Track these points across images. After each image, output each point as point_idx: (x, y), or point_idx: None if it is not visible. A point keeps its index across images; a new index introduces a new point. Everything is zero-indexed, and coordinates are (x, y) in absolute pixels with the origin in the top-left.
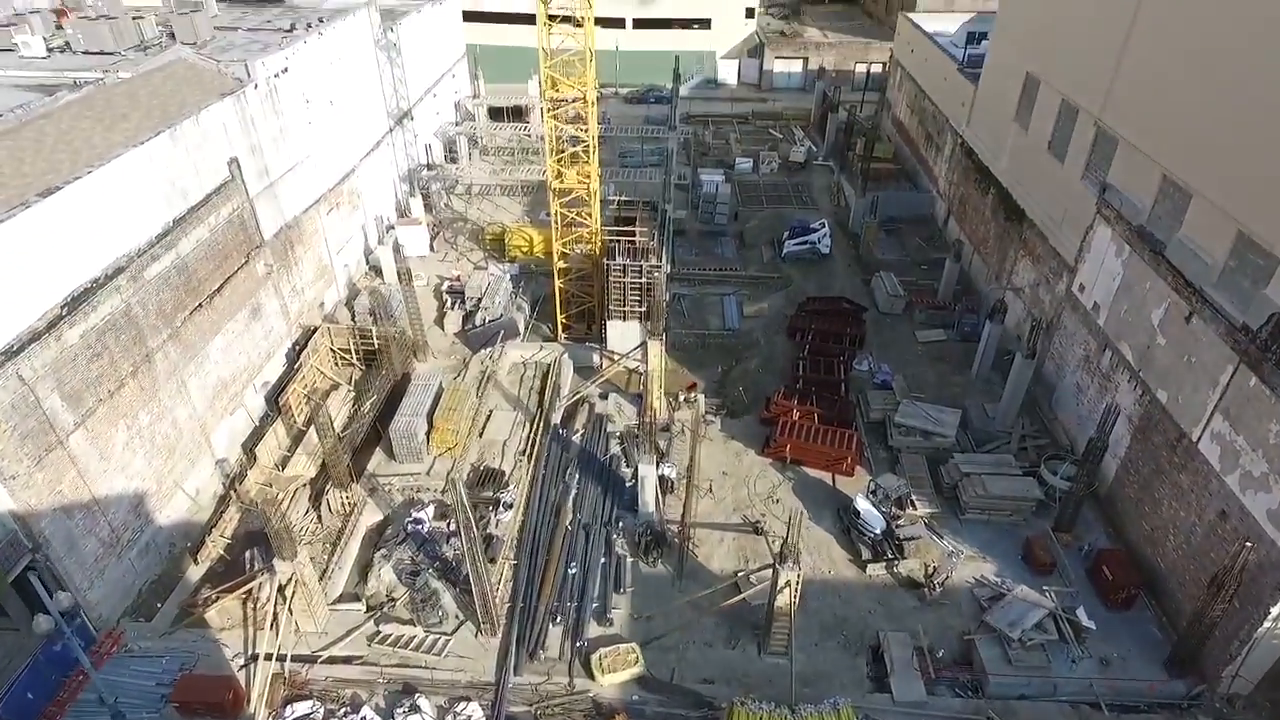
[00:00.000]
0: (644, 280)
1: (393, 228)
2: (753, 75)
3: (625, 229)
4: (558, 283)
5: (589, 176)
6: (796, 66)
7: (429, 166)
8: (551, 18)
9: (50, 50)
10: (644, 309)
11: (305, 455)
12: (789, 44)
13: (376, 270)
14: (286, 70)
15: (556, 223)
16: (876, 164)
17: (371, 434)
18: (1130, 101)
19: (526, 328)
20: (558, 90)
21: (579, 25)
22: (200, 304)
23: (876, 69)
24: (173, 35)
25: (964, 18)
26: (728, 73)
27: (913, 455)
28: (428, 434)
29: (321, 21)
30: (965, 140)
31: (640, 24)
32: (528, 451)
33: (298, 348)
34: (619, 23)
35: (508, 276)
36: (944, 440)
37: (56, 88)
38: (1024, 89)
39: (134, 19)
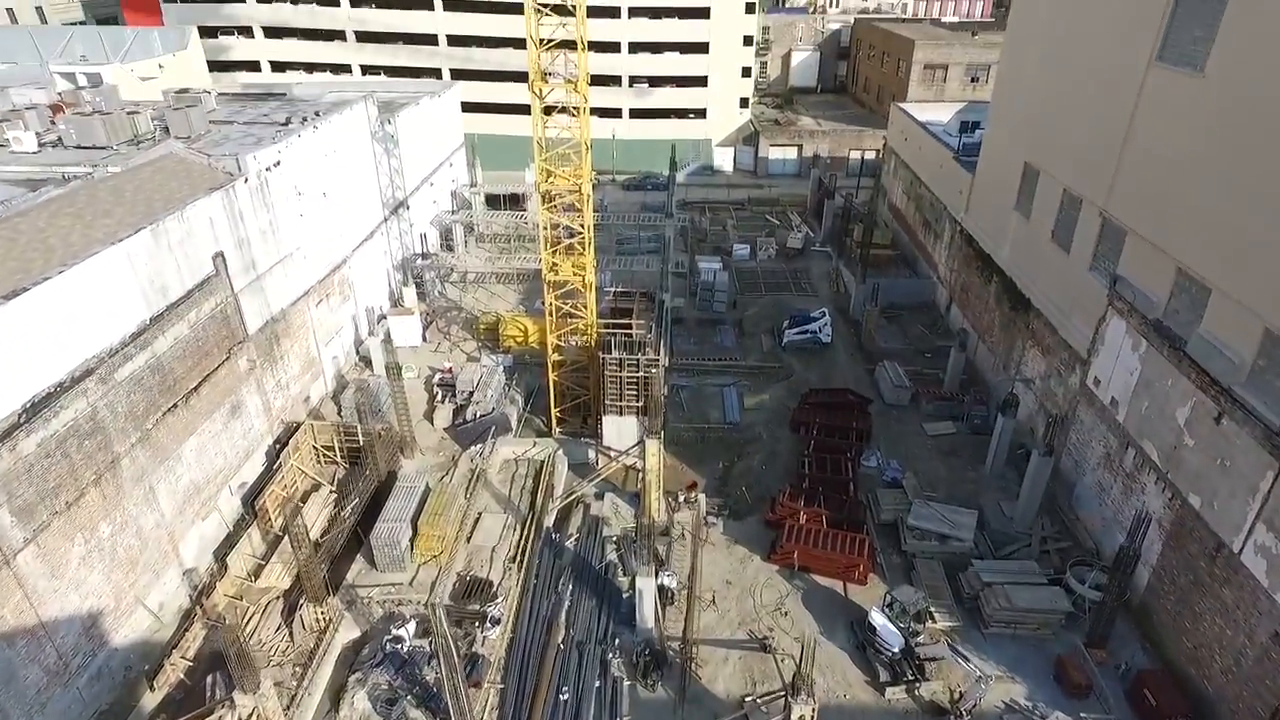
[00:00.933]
0: (641, 375)
1: (384, 317)
2: (748, 162)
3: (621, 321)
4: (552, 376)
5: (584, 268)
6: (791, 153)
7: (423, 255)
8: (548, 110)
9: (42, 145)
10: (641, 404)
11: (281, 564)
12: (783, 132)
13: (366, 361)
14: (279, 164)
15: (551, 314)
16: (875, 250)
17: (353, 539)
18: (1136, 193)
19: (519, 422)
20: (553, 182)
21: (575, 115)
22: (175, 404)
23: (870, 155)
24: (167, 130)
25: (955, 107)
26: (724, 160)
27: (928, 561)
28: (412, 541)
29: (318, 115)
30: (965, 228)
31: (637, 113)
32: (518, 559)
33: (279, 445)
34: (616, 112)
35: (500, 368)
36: (961, 545)
37: (43, 182)
38: (1023, 178)
39: (129, 114)
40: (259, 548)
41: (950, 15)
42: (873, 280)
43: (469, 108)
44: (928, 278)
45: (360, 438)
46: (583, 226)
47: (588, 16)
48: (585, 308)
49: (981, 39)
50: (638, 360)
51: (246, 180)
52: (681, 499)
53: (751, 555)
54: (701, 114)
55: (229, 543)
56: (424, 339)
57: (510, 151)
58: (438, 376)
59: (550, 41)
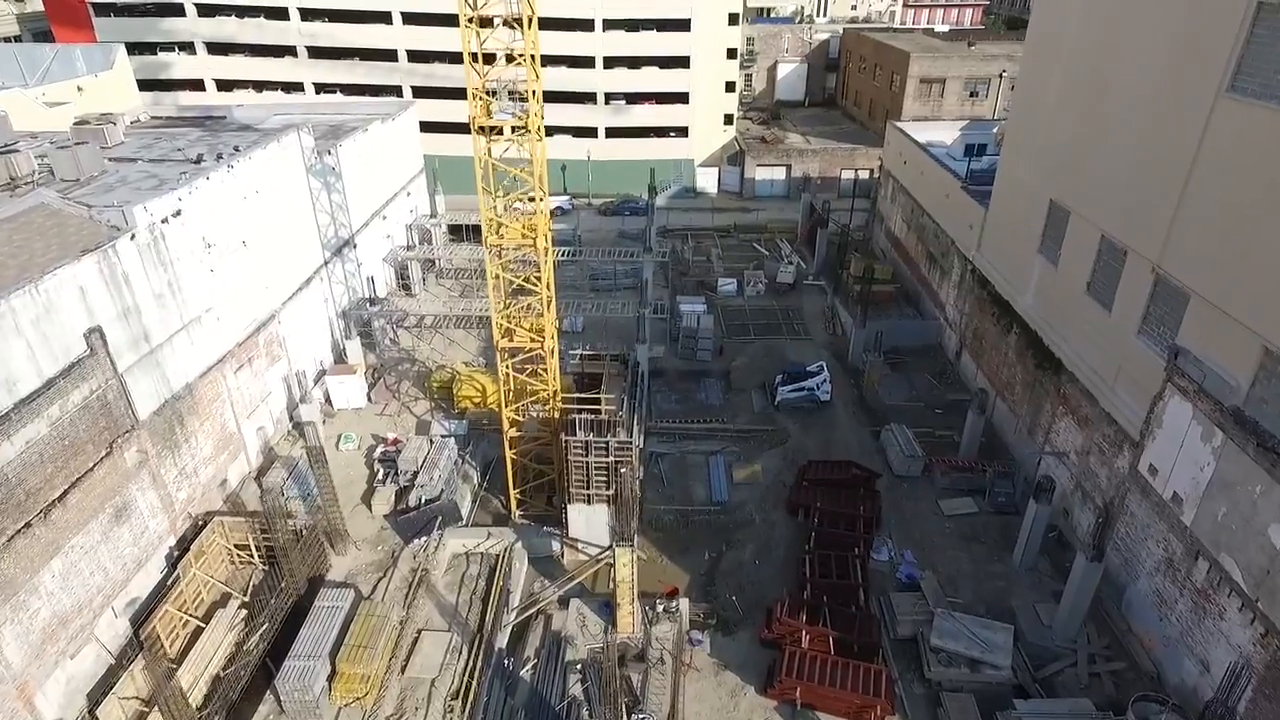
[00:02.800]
0: (611, 460)
1: (324, 375)
2: (734, 183)
3: (587, 395)
4: (509, 453)
5: (544, 333)
6: (779, 174)
7: (371, 300)
8: (487, 130)
9: None
10: (612, 491)
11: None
12: (770, 151)
13: (301, 429)
14: (179, 213)
15: (506, 386)
16: (875, 286)
17: (263, 670)
18: (1203, 250)
19: (473, 504)
20: (502, 237)
21: (524, 130)
22: (30, 522)
23: (864, 174)
24: (52, 171)
25: (957, 126)
26: (707, 181)
27: (958, 696)
28: (331, 679)
29: (237, 151)
30: (977, 268)
31: (614, 132)
32: (462, 696)
33: (182, 549)
34: (591, 131)
35: (451, 442)
36: (997, 673)
37: None
38: (1049, 218)
39: (2, 152)
40: (145, 687)
41: (940, 23)
42: (873, 323)
43: (432, 128)
44: (933, 317)
45: (278, 537)
46: (539, 280)
47: (559, 29)
48: (546, 376)
49: (979, 50)
50: (606, 443)
51: (135, 236)
52: (660, 608)
53: (744, 686)
54: (683, 132)
55: (111, 678)
56: (369, 399)
57: (468, 173)
58: (380, 449)
59: (494, 60)
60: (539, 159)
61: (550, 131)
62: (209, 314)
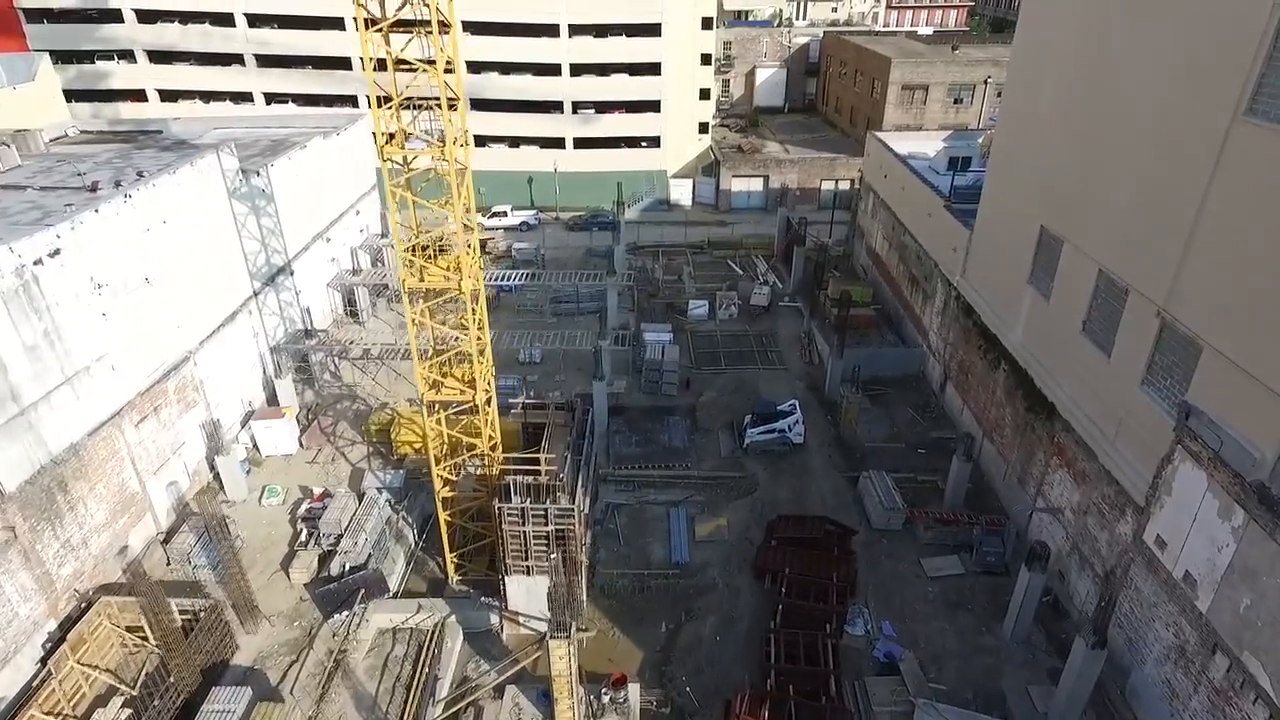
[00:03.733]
0: (551, 529)
1: (251, 417)
2: (709, 195)
3: (526, 456)
4: (442, 515)
5: (474, 385)
6: (757, 185)
7: (308, 332)
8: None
9: None
10: (555, 561)
11: None
12: (747, 161)
13: (221, 481)
14: (58, 252)
15: (436, 444)
16: (853, 309)
17: None
18: (1216, 295)
19: (407, 568)
20: (422, 280)
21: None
22: None
23: (845, 185)
24: None
25: (940, 137)
26: (681, 193)
27: None
28: None
29: (142, 177)
30: (961, 294)
31: (582, 143)
32: None
33: (60, 636)
34: (558, 142)
35: (383, 497)
36: None
37: None
38: (1039, 246)
39: None
40: None
41: (923, 25)
42: (851, 352)
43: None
44: (916, 345)
45: (177, 617)
46: (471, 335)
47: (522, 34)
48: (481, 431)
49: (964, 55)
50: (545, 511)
51: None
52: (606, 698)
53: None
54: (655, 142)
55: None
56: (301, 444)
57: (434, 188)
58: (305, 505)
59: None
60: (461, 193)
61: (516, 142)
62: (100, 363)
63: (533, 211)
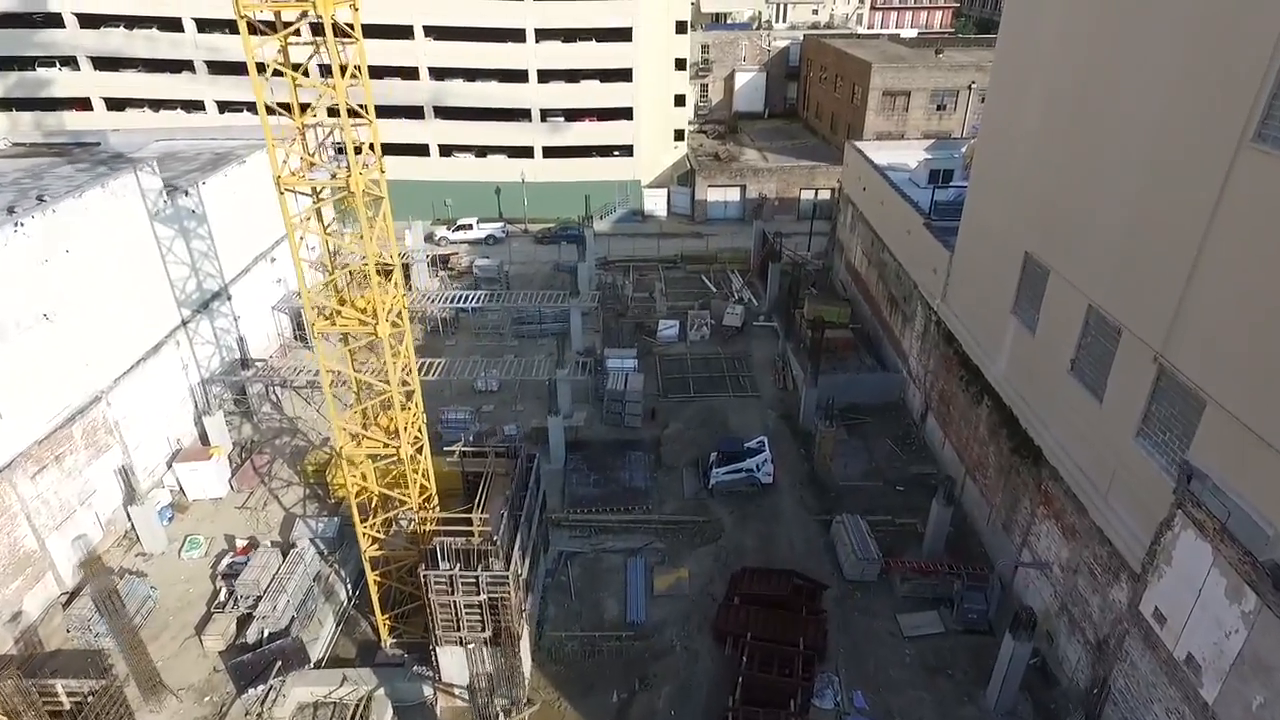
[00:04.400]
0: (484, 598)
1: (178, 455)
2: (684, 205)
3: (457, 516)
4: (371, 576)
5: (399, 436)
6: (733, 195)
7: (245, 363)
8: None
9: None
10: (489, 633)
11: None
12: (723, 170)
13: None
14: None
15: (359, 496)
16: (829, 330)
17: None
18: (1220, 345)
19: (337, 628)
20: (334, 321)
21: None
22: None
23: (825, 194)
24: None
25: (922, 146)
26: (655, 204)
27: None
28: None
29: (42, 201)
30: (942, 319)
31: (551, 152)
32: None
33: None
34: (526, 151)
35: (310, 552)
36: None
37: None
38: (1024, 274)
39: None
40: None
41: (908, 27)
42: (827, 380)
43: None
44: (895, 369)
45: (62, 698)
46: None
47: (487, 40)
48: (414, 485)
49: (947, 59)
50: (477, 579)
51: None
52: None
53: None
54: (628, 151)
55: None
56: (232, 486)
57: (398, 198)
58: (228, 559)
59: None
60: (374, 225)
61: (483, 152)
62: None
63: (500, 224)
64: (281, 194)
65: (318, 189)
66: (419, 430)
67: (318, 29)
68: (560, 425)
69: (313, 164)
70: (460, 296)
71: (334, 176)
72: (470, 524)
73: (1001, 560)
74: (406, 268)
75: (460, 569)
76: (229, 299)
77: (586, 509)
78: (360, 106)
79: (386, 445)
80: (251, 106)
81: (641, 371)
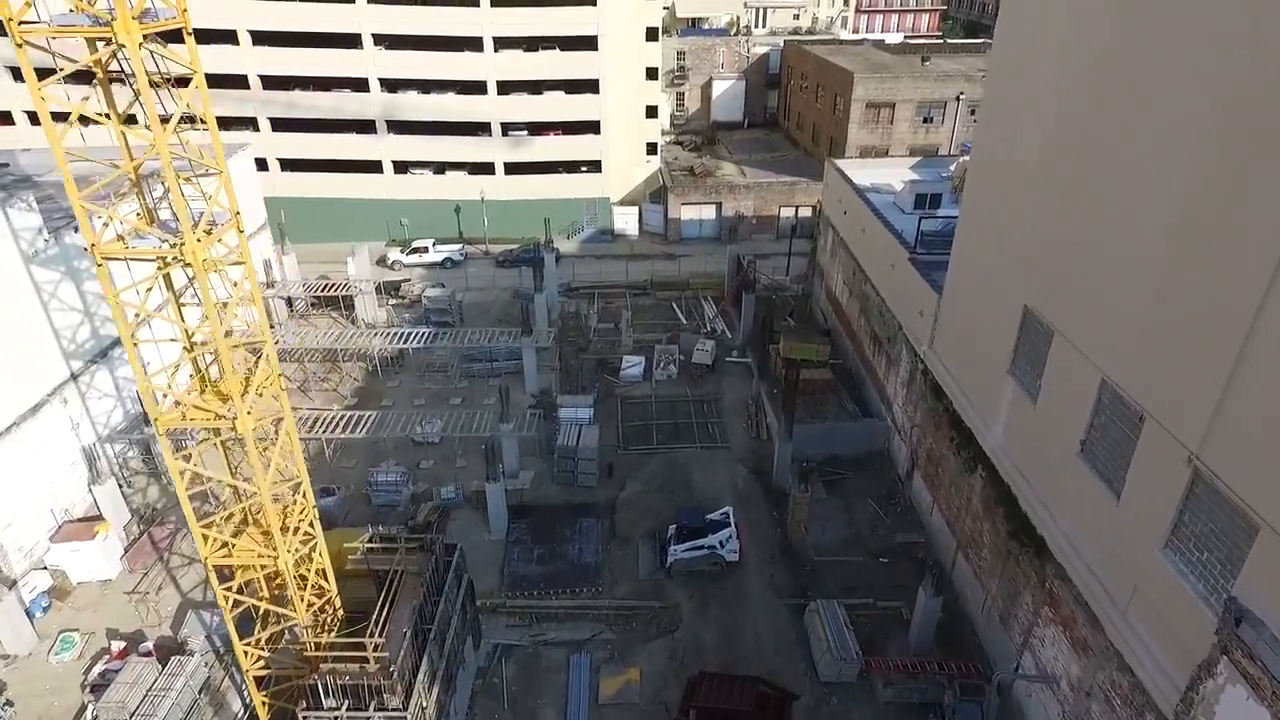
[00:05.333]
0: None
1: (59, 532)
2: (657, 223)
3: (348, 641)
4: (256, 697)
5: (274, 549)
6: (709, 213)
7: (149, 420)
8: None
9: None
10: None
11: None
12: (698, 187)
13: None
14: None
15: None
16: (806, 370)
17: None
18: (1277, 457)
19: None
20: (183, 414)
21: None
22: None
23: (805, 212)
24: None
25: (907, 164)
26: (626, 222)
27: None
28: None
29: None
30: (929, 369)
31: (514, 168)
32: None
33: None
34: (487, 168)
35: (196, 657)
36: None
37: None
38: (1023, 332)
39: None
40: None
41: (894, 31)
42: (804, 430)
43: (296, 166)
44: (879, 415)
45: None
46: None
47: (443, 48)
48: (297, 601)
49: (934, 68)
50: None
51: None
52: None
53: None
54: (596, 167)
55: None
56: (124, 566)
57: (330, 217)
58: (101, 664)
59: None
60: (230, 304)
61: (441, 168)
62: None
63: (458, 246)
64: (100, 265)
65: (159, 257)
66: (310, 524)
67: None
68: (501, 492)
69: (151, 222)
70: (402, 335)
71: (169, 244)
72: (362, 650)
73: (999, 670)
74: (350, 299)
75: (349, 708)
76: (135, 344)
77: (528, 591)
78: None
79: (261, 556)
80: (190, 120)
81: (598, 422)
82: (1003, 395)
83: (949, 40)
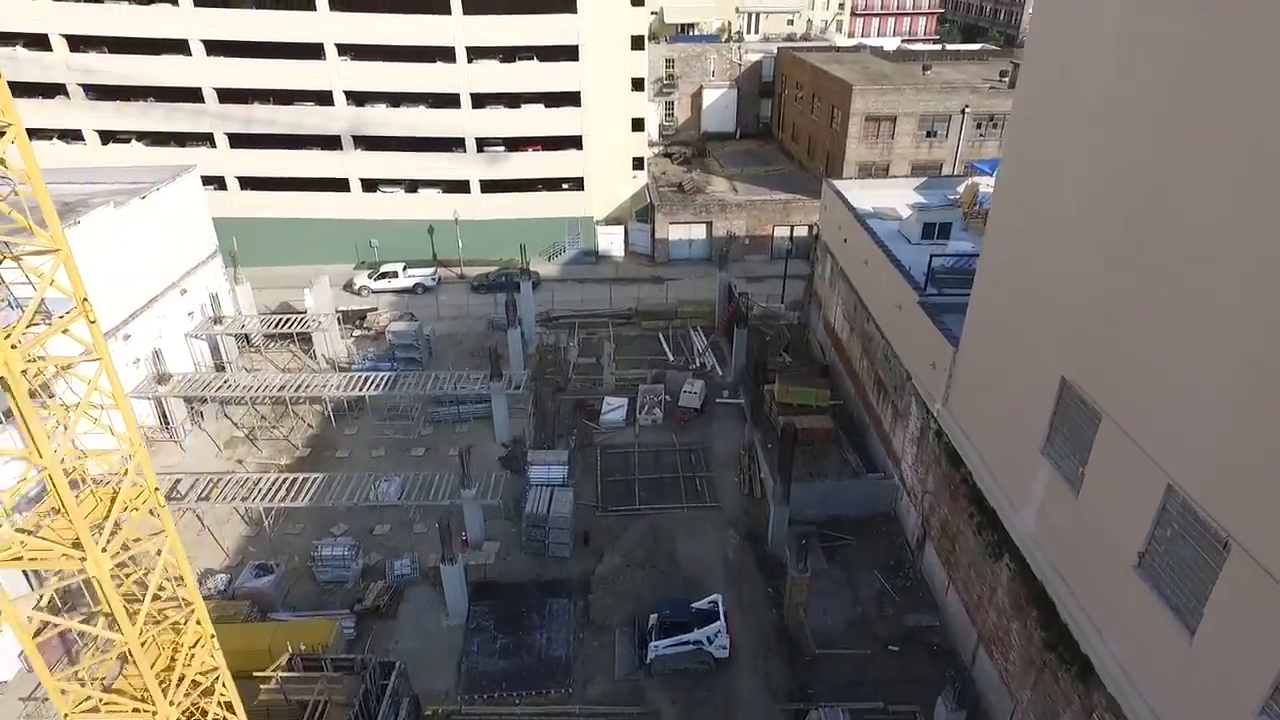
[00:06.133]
0: None
1: None
2: (644, 243)
3: None
4: None
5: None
6: (699, 233)
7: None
8: None
9: None
10: None
11: None
12: (688, 205)
13: None
14: None
15: None
16: (803, 418)
17: None
18: None
19: None
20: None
21: None
22: None
23: (802, 231)
24: None
25: (911, 185)
26: (611, 242)
27: None
28: None
29: None
30: (944, 430)
31: (490, 186)
32: None
33: None
34: (462, 185)
35: None
36: None
37: None
38: (1059, 406)
39: None
40: None
41: (890, 35)
42: (802, 489)
43: (256, 184)
44: (885, 470)
45: None
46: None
47: (412, 59)
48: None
49: (936, 78)
50: None
51: None
52: None
53: None
54: (578, 184)
55: None
56: (23, 661)
57: (286, 239)
58: None
59: None
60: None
61: (414, 187)
62: None
63: (430, 270)
64: None
65: None
66: (210, 653)
67: None
68: (459, 573)
69: None
70: (361, 378)
71: None
72: None
73: None
74: (307, 335)
75: None
76: (52, 396)
77: (487, 693)
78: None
79: (137, 712)
80: (140, 136)
81: (573, 482)
82: (1035, 477)
83: (948, 46)
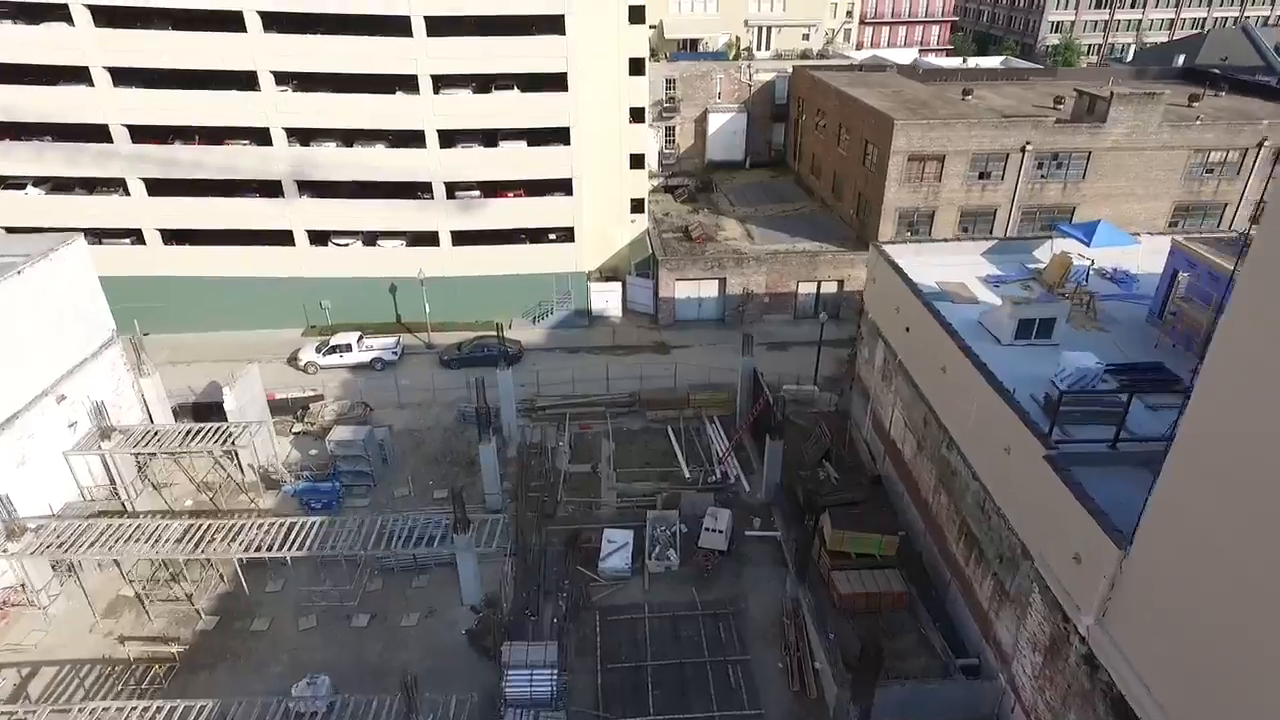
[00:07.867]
0: None
1: None
2: (646, 301)
3: None
4: None
5: None
6: (710, 289)
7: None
8: None
9: None
10: None
11: None
12: (695, 260)
13: None
14: None
15: None
16: (867, 576)
17: None
18: None
19: None
20: None
21: None
22: None
23: (831, 287)
24: None
25: (978, 250)
26: (607, 300)
27: None
28: None
29: None
30: (1096, 655)
31: (463, 238)
32: None
33: None
34: (431, 237)
35: None
36: None
37: None
38: None
39: None
40: None
41: (902, 44)
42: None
43: (182, 238)
44: (979, 658)
45: None
46: None
47: (366, 89)
48: None
49: (981, 103)
50: None
51: None
52: None
53: None
54: (568, 234)
55: None
56: None
57: (255, 301)
58: None
59: None
60: None
61: (373, 238)
62: None
63: (392, 341)
64: None
65: None
66: None
67: None
68: None
69: None
70: (278, 532)
71: None
72: None
73: None
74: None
75: None
76: None
77: None
78: None
79: None
80: (42, 181)
81: (565, 687)
82: None
83: (968, 60)
